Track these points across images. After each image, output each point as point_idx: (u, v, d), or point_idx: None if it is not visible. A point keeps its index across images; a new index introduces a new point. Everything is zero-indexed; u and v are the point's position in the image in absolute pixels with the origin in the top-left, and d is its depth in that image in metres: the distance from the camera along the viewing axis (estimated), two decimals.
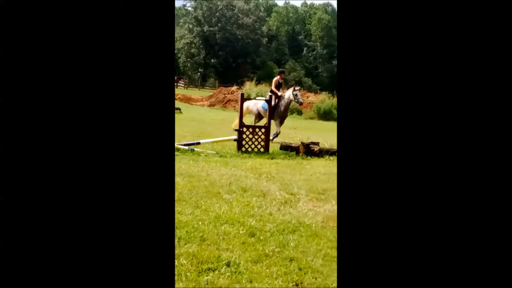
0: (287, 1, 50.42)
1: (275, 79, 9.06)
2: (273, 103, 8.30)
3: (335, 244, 2.61)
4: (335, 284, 2.14)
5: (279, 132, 8.74)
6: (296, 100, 8.64)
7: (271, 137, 8.15)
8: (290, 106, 9.22)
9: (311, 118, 19.46)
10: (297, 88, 8.81)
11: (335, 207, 3.50)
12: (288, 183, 4.47)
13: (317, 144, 7.05)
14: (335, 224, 3.04)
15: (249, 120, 9.21)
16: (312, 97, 24.45)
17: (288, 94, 8.65)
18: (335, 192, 4.00)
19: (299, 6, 53.30)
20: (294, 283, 2.12)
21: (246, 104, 8.92)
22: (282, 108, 8.69)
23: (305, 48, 48.98)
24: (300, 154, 6.77)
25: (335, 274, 2.16)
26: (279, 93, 8.81)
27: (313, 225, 3.07)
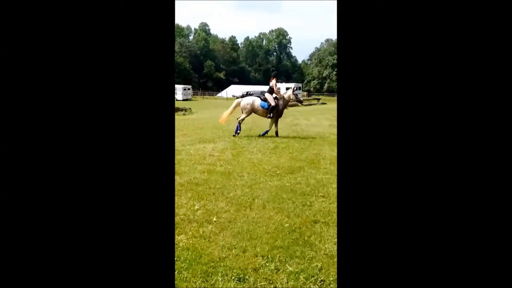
0: None
1: (275, 81, 9.39)
2: (273, 103, 9.06)
3: None
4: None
5: (269, 130, 9.28)
6: (297, 100, 9.55)
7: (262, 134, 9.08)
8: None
9: None
10: (295, 87, 9.42)
11: None
12: None
13: None
14: None
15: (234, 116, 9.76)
16: None
17: (288, 93, 9.27)
18: None
19: None
20: None
21: (238, 100, 9.49)
22: (280, 107, 9.29)
23: None
24: None
25: None
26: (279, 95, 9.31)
27: None
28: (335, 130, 9.77)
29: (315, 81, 60.43)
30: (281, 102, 9.30)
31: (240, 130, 9.34)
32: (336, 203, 3.93)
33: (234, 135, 9.17)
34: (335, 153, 7.13)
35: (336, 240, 2.97)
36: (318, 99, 37.93)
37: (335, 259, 2.61)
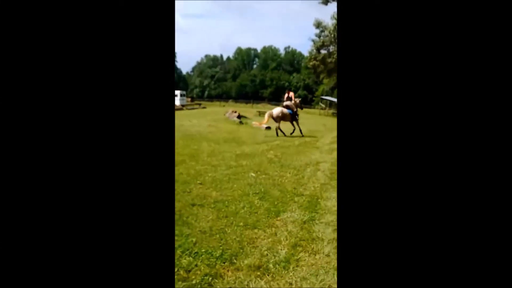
0: None
1: (292, 94, 12.38)
2: (295, 109, 12.02)
3: None
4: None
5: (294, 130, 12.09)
6: (300, 107, 12.50)
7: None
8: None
9: None
10: (299, 97, 13.12)
11: None
12: None
13: None
14: None
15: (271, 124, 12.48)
16: None
17: (297, 103, 12.23)
18: None
19: None
20: None
21: (270, 112, 12.00)
22: (297, 112, 12.48)
23: None
24: None
25: None
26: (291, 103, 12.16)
27: None
28: (213, 129, 10.49)
29: (197, 89, 72.40)
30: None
31: (281, 132, 11.55)
32: (211, 189, 4.26)
33: (287, 135, 11.41)
34: (212, 148, 7.72)
35: (209, 218, 3.27)
36: (200, 104, 41.69)
37: (208, 235, 2.91)
